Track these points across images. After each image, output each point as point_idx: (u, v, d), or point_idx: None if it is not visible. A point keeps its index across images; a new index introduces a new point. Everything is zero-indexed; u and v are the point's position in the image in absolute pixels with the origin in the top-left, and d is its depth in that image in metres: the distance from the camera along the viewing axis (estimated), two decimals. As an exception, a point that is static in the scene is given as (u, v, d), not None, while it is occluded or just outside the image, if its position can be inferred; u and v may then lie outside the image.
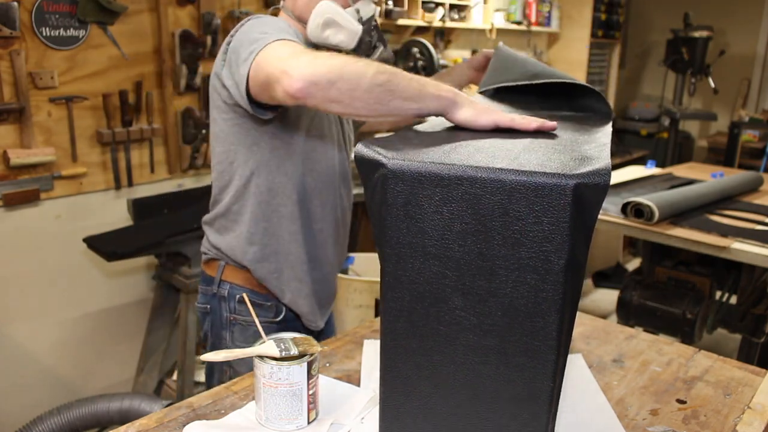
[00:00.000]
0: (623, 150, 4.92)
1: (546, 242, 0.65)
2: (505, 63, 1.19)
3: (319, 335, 1.49)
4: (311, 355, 0.88)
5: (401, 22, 3.43)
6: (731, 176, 2.87)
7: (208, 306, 1.39)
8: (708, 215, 2.38)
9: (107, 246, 2.18)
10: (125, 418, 2.02)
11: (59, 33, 2.19)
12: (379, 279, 0.74)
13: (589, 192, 0.64)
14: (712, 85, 4.32)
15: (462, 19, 3.92)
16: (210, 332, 1.41)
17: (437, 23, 3.66)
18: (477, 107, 0.91)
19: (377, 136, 1.24)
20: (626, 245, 4.56)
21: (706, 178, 2.99)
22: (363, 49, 1.33)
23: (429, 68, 3.34)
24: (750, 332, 2.52)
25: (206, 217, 1.40)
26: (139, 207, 2.39)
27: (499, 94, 1.13)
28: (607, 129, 0.91)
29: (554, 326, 0.67)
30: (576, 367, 1.10)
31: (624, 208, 2.31)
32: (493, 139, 0.83)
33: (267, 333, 0.94)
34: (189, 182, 2.70)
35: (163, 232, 2.28)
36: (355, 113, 0.97)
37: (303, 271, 1.35)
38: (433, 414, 0.75)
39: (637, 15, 5.57)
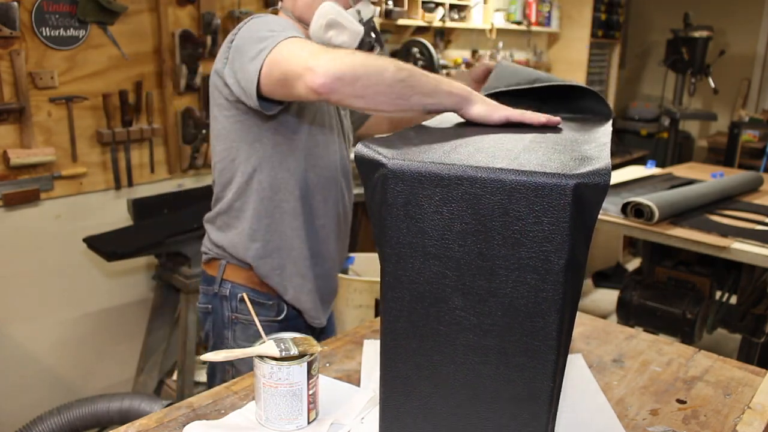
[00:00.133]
0: (623, 150, 4.93)
1: (546, 242, 0.65)
2: (505, 72, 1.20)
3: (321, 333, 1.49)
4: (311, 355, 0.88)
5: (401, 22, 3.43)
6: (731, 176, 2.87)
7: (210, 306, 1.39)
8: (708, 215, 2.38)
9: (107, 246, 2.18)
10: (125, 418, 2.02)
11: (59, 33, 2.19)
12: (379, 279, 0.74)
13: (589, 192, 0.64)
14: (712, 85, 4.32)
15: (462, 19, 3.92)
16: (212, 332, 1.41)
17: (437, 23, 3.66)
18: (489, 103, 0.96)
19: (377, 136, 1.24)
20: (626, 245, 4.56)
21: (706, 178, 2.99)
22: (363, 49, 1.33)
23: (429, 68, 3.33)
24: (750, 332, 2.52)
25: (208, 215, 1.40)
26: (139, 207, 2.39)
27: (499, 100, 1.13)
28: (607, 129, 0.91)
29: (554, 326, 0.67)
30: (576, 367, 1.10)
31: (624, 208, 2.31)
32: (495, 137, 0.83)
33: (269, 332, 0.94)
34: (189, 182, 2.70)
35: (163, 232, 2.29)
36: (376, 108, 1.00)
37: (305, 267, 1.36)
38: (433, 414, 0.75)
39: (637, 15, 5.57)
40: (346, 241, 1.50)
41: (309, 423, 0.89)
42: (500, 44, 4.36)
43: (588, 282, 4.19)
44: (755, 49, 4.98)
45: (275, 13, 1.37)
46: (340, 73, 0.96)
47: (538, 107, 1.09)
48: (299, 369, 0.86)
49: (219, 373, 1.40)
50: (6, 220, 2.18)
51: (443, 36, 4.00)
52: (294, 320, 1.40)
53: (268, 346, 0.88)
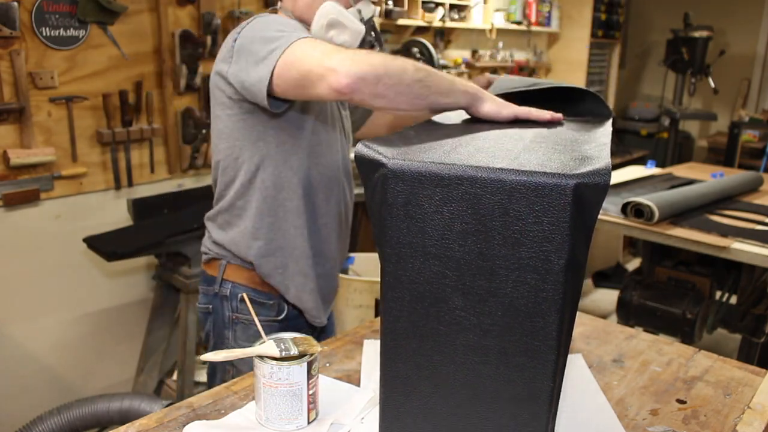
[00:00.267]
0: (623, 150, 4.93)
1: (546, 242, 0.65)
2: (506, 81, 1.21)
3: (321, 333, 1.49)
4: (311, 355, 0.88)
5: (401, 22, 3.43)
6: (731, 176, 2.87)
7: (210, 306, 1.39)
8: (708, 215, 2.38)
9: (107, 246, 2.18)
10: (125, 418, 2.02)
11: (59, 33, 2.19)
12: (379, 279, 0.74)
13: (589, 192, 0.64)
14: (712, 85, 4.32)
15: (462, 19, 3.92)
16: (212, 332, 1.41)
17: (437, 23, 3.66)
18: (498, 101, 1.00)
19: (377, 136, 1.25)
20: (626, 245, 4.56)
21: (706, 178, 2.99)
22: (363, 48, 1.33)
23: (429, 68, 3.34)
24: (750, 332, 2.52)
25: (209, 213, 1.40)
26: (139, 207, 2.39)
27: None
28: (607, 129, 0.92)
29: (554, 326, 0.67)
30: (576, 367, 1.10)
31: (624, 208, 2.31)
32: (495, 137, 0.83)
33: (269, 332, 0.94)
34: (189, 182, 2.70)
35: (163, 232, 2.29)
36: (395, 107, 1.02)
37: (308, 265, 1.36)
38: (433, 414, 0.75)
39: (637, 15, 5.57)
40: (347, 240, 1.50)
41: (309, 423, 0.89)
42: (500, 44, 4.36)
43: (588, 282, 4.19)
44: (755, 49, 4.98)
45: (275, 12, 1.37)
46: (363, 74, 0.98)
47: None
48: (299, 369, 0.86)
49: (219, 373, 1.40)
50: (6, 220, 2.18)
51: (443, 36, 4.00)
52: (294, 320, 1.40)
53: (268, 346, 0.88)
